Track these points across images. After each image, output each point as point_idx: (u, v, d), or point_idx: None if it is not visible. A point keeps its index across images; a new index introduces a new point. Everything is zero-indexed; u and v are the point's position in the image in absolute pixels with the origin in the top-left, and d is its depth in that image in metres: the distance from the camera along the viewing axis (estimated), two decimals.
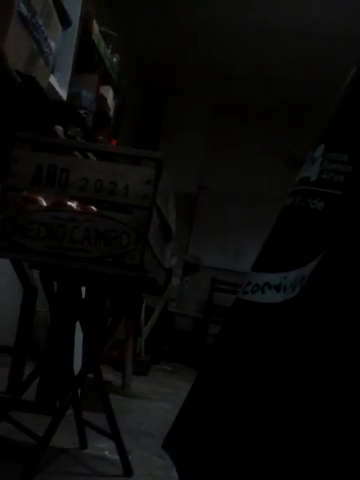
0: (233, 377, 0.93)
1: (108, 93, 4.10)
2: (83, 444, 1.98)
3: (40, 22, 2.22)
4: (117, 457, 1.82)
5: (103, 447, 2.00)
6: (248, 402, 0.89)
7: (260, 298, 0.92)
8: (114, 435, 1.81)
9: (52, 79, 2.82)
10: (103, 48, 3.86)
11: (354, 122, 0.94)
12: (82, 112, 3.26)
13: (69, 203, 1.67)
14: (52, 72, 2.73)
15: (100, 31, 3.77)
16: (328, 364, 0.84)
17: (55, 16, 2.46)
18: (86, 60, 3.60)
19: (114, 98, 4.28)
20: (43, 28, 2.25)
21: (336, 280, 0.85)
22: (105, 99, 4.03)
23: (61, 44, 2.72)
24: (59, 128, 2.30)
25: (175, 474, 1.00)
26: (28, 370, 2.13)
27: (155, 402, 3.35)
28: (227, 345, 0.97)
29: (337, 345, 0.83)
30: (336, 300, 0.84)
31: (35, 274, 2.34)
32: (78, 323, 1.99)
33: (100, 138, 3.82)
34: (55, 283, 1.92)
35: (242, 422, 0.89)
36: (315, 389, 0.84)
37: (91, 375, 1.83)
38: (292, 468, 0.84)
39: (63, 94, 3.15)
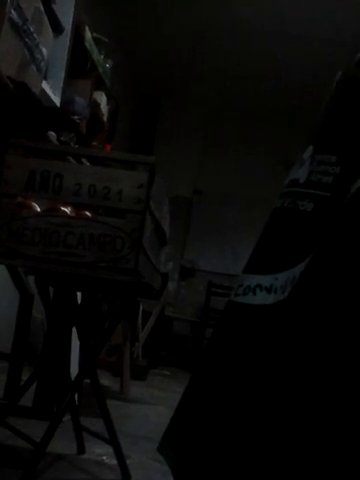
0: (226, 379, 0.93)
1: (101, 98, 4.11)
2: (81, 449, 1.98)
3: (31, 29, 2.22)
4: (115, 462, 1.82)
5: (101, 452, 2.00)
6: (242, 403, 0.89)
7: (252, 300, 0.93)
8: (112, 440, 1.82)
9: (45, 85, 2.83)
10: (96, 54, 3.87)
11: (342, 124, 0.95)
12: (75, 118, 3.26)
13: (63, 208, 1.68)
14: (45, 78, 2.74)
15: (92, 37, 3.78)
16: (320, 364, 0.84)
17: (46, 23, 2.47)
18: (79, 66, 3.61)
19: (107, 103, 4.29)
20: (34, 35, 2.26)
21: (326, 281, 0.85)
22: (98, 105, 4.04)
23: (54, 50, 2.74)
24: (52, 134, 2.30)
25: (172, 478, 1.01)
26: (25, 376, 2.13)
27: (153, 406, 3.35)
28: (220, 347, 0.98)
29: (329, 345, 0.84)
30: (327, 300, 0.85)
31: (31, 280, 2.34)
32: (74, 328, 1.99)
33: (94, 144, 3.83)
34: (51, 289, 1.92)
35: (236, 424, 0.89)
36: (308, 389, 0.85)
37: (88, 380, 1.83)
38: (288, 467, 0.85)
39: (56, 100, 3.16)
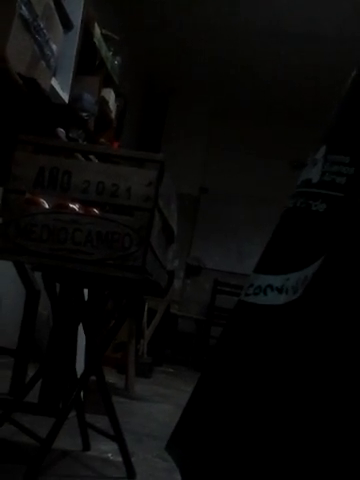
0: (235, 379, 0.93)
1: (110, 95, 4.10)
2: (86, 446, 1.98)
3: (42, 25, 2.22)
4: (120, 459, 1.82)
5: (106, 449, 2.00)
6: (250, 404, 0.89)
7: (262, 300, 0.92)
8: (117, 437, 1.82)
9: (54, 82, 2.82)
10: (104, 51, 3.86)
11: (356, 124, 0.94)
12: (84, 115, 3.26)
13: (71, 205, 1.68)
14: (54, 75, 2.73)
15: (102, 34, 3.78)
16: (330, 365, 0.84)
17: (57, 19, 2.46)
18: (88, 63, 3.61)
19: (116, 100, 4.29)
20: (45, 31, 2.25)
21: (338, 282, 0.85)
22: (107, 102, 4.04)
23: (63, 47, 2.73)
24: (61, 131, 2.30)
25: (178, 476, 1.00)
26: (31, 372, 2.13)
27: (158, 404, 3.35)
28: (229, 347, 0.97)
29: (339, 347, 0.83)
30: (338, 302, 0.84)
31: (38, 276, 2.34)
32: (80, 325, 1.99)
33: (102, 140, 3.83)
34: (57, 285, 1.92)
35: (244, 424, 0.89)
36: (317, 390, 0.84)
37: (94, 377, 1.83)
38: (294, 469, 0.84)
39: (65, 97, 3.15)
